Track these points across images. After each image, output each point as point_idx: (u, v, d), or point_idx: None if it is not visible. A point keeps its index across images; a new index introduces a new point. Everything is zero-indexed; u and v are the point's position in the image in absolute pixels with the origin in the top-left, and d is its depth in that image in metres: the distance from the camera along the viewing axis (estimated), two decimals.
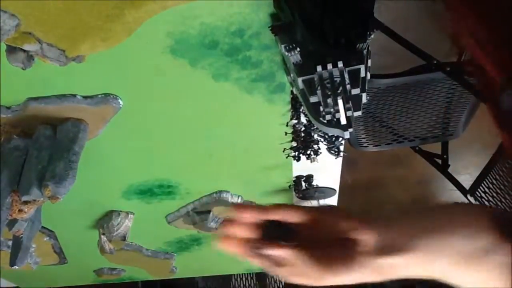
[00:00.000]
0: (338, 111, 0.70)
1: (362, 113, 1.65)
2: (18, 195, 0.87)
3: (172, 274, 1.83)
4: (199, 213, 1.34)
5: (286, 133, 1.02)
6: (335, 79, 0.70)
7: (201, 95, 0.90)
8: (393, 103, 1.53)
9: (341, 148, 1.05)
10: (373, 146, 1.66)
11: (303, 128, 1.03)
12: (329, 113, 0.71)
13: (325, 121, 0.71)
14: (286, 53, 0.69)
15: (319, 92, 0.71)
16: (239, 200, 1.31)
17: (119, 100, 0.90)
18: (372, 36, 0.68)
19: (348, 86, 0.70)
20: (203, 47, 0.80)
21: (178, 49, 0.80)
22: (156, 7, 0.71)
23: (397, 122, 1.60)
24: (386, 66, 1.59)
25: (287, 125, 0.99)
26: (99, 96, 0.89)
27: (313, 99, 0.71)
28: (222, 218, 1.38)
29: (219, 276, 2.57)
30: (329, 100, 0.71)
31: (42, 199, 0.86)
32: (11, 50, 0.74)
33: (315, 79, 0.71)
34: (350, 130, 0.74)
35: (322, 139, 1.03)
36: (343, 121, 0.72)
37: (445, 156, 1.67)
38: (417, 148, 1.71)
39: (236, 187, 1.28)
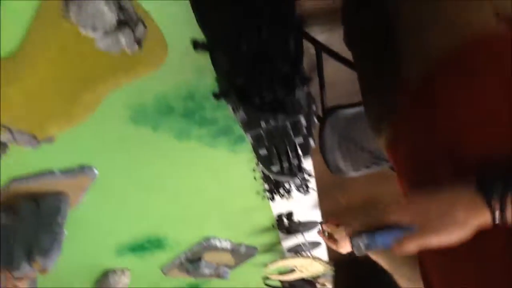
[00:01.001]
0: (285, 160, 0.77)
1: (337, 139, 1.70)
2: (11, 272, 0.93)
3: None
4: (192, 262, 1.39)
5: (255, 178, 1.08)
6: (279, 130, 0.77)
7: (168, 154, 0.97)
8: (367, 126, 1.58)
9: (309, 184, 1.11)
10: (353, 171, 1.71)
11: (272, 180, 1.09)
12: (277, 163, 0.78)
13: (275, 171, 0.78)
14: (232, 113, 0.76)
15: (266, 145, 0.77)
16: (228, 244, 1.36)
17: (94, 170, 0.97)
18: (305, 87, 0.75)
19: (292, 136, 0.77)
20: (160, 114, 0.87)
21: (138, 118, 0.87)
22: (110, 86, 0.79)
23: (373, 144, 1.65)
24: (354, 92, 1.66)
25: (254, 170, 1.05)
26: (75, 168, 0.96)
27: (262, 152, 0.78)
28: (214, 264, 1.43)
29: None
30: (275, 151, 0.77)
31: (32, 273, 0.91)
32: None
33: (261, 133, 0.77)
34: (303, 175, 0.81)
35: (295, 182, 1.09)
36: (290, 169, 0.78)
37: None
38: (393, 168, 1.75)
39: (223, 232, 1.34)
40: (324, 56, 1.65)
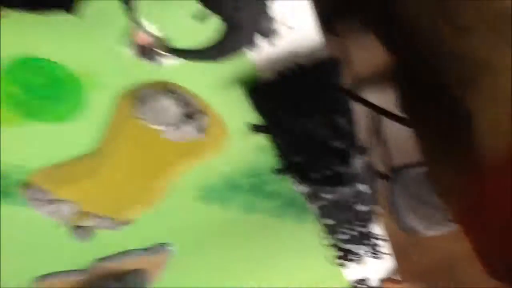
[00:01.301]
0: (350, 229, 0.77)
1: (408, 199, 1.66)
2: None
3: None
4: None
5: (324, 246, 1.08)
6: (341, 201, 0.79)
7: (238, 229, 1.01)
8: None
9: (381, 249, 1.08)
10: (427, 230, 1.65)
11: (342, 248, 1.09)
12: (343, 232, 0.78)
13: (342, 240, 0.78)
14: (295, 187, 0.79)
15: (330, 215, 0.79)
16: None
17: (170, 248, 1.02)
18: (363, 157, 0.77)
19: (354, 205, 0.78)
20: (227, 191, 0.92)
21: (206, 197, 0.92)
22: (178, 172, 0.85)
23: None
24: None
25: (322, 239, 1.05)
26: (153, 247, 1.02)
27: (328, 222, 0.79)
28: None
29: None
30: (340, 221, 0.78)
31: None
32: (74, 228, 0.90)
33: (324, 204, 0.79)
34: (372, 242, 0.80)
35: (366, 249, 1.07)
36: (358, 237, 0.78)
37: None
38: None
39: None
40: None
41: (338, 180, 0.69)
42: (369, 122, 1.93)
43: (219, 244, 1.05)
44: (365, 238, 0.81)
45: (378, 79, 1.85)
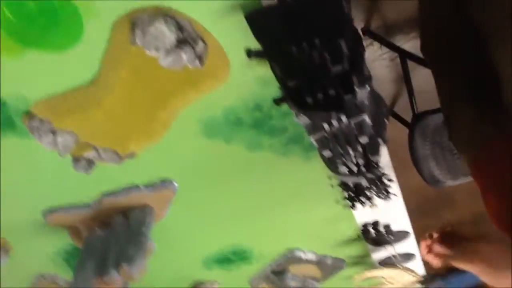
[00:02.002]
0: (349, 160, 0.75)
1: (429, 146, 1.62)
2: (101, 279, 1.00)
3: None
4: (277, 274, 1.39)
5: (332, 186, 1.06)
6: (343, 132, 0.75)
7: (242, 166, 0.99)
8: None
9: (390, 189, 1.06)
10: (452, 180, 1.60)
11: (350, 183, 1.06)
12: (343, 164, 0.76)
13: (342, 173, 0.76)
14: (295, 119, 0.76)
15: (330, 147, 0.76)
16: (313, 256, 1.34)
17: (174, 183, 1.02)
18: (367, 87, 0.73)
19: (356, 136, 0.75)
20: (230, 126, 0.90)
21: (210, 132, 0.91)
22: (180, 102, 0.83)
23: None
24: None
25: (330, 178, 1.03)
26: (157, 182, 1.02)
27: (326, 154, 0.76)
28: (301, 277, 1.41)
29: None
30: (341, 152, 0.75)
31: (119, 279, 0.98)
32: (75, 159, 0.90)
33: (325, 135, 0.76)
34: (374, 176, 0.78)
35: (367, 185, 1.05)
36: (358, 169, 0.75)
37: None
38: None
39: (307, 243, 1.32)
40: (415, 64, 1.59)
41: (338, 105, 0.65)
42: (396, 68, 1.85)
43: (224, 181, 1.04)
44: (364, 171, 0.78)
45: (406, 24, 1.76)
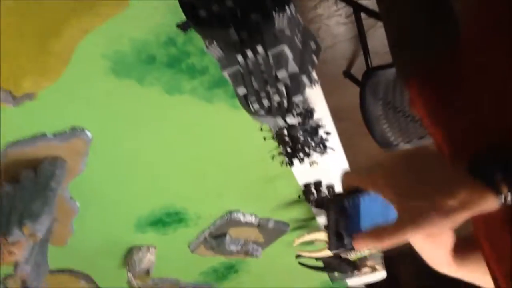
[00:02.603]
0: (265, 97, 0.65)
1: (381, 106, 1.53)
2: (6, 239, 0.89)
3: None
4: (216, 238, 1.30)
5: (265, 138, 0.96)
6: (260, 65, 0.65)
7: (162, 112, 0.88)
8: None
9: (327, 143, 0.97)
10: (405, 143, 1.53)
11: (285, 131, 0.97)
12: (259, 102, 0.66)
13: (255, 109, 0.66)
14: (207, 50, 0.65)
15: (244, 82, 0.66)
16: (253, 219, 1.26)
17: (87, 132, 0.91)
18: (288, 11, 0.63)
19: (274, 70, 0.65)
20: (142, 63, 0.78)
21: (119, 70, 0.79)
22: (76, 32, 0.71)
23: None
24: None
25: (261, 129, 0.93)
26: (67, 131, 0.91)
27: (240, 91, 0.66)
28: (241, 240, 1.33)
29: None
30: (256, 88, 0.65)
31: (24, 238, 0.87)
32: None
33: (239, 69, 0.66)
34: (289, 117, 0.68)
35: (303, 138, 0.96)
36: (274, 107, 0.66)
37: None
38: None
39: (246, 205, 1.23)
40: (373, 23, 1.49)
41: (239, 22, 0.55)
42: (353, 26, 1.76)
43: (144, 131, 0.93)
44: (282, 110, 0.68)
45: None
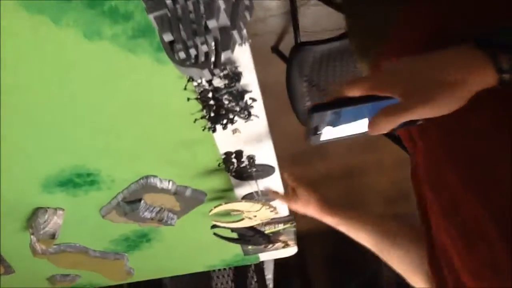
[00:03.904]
0: (192, 46, 0.62)
1: (306, 83, 1.55)
2: None
3: (130, 276, 1.74)
4: (130, 203, 1.25)
5: (188, 99, 0.93)
6: (190, 12, 0.62)
7: (77, 57, 0.82)
8: (336, 70, 1.44)
9: (252, 110, 0.96)
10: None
11: (210, 94, 0.94)
12: (186, 51, 0.63)
13: (180, 59, 0.63)
14: None
15: (171, 28, 0.62)
16: (170, 185, 1.22)
17: None
18: None
19: (203, 18, 0.62)
20: (57, 2, 0.71)
21: (31, 4, 0.72)
22: None
23: None
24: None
25: (185, 89, 0.90)
26: None
27: (166, 37, 0.63)
28: (156, 207, 1.29)
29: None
30: (184, 37, 0.62)
31: None
32: None
33: (167, 13, 0.63)
34: (216, 71, 0.66)
35: (228, 102, 0.94)
36: (201, 59, 0.63)
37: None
38: None
39: (164, 171, 1.19)
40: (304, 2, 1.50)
41: None
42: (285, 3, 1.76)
43: (56, 78, 0.86)
44: (208, 62, 0.65)
45: None
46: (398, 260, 0.78)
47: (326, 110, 0.50)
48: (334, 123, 0.52)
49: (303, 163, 2.46)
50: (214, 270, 2.58)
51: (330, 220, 0.96)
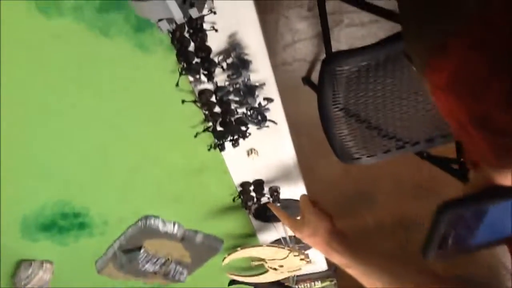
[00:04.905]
0: None
1: (343, 115, 1.31)
2: None
3: None
4: (127, 252, 1.01)
5: (183, 101, 0.71)
6: None
7: (41, 42, 0.63)
8: (377, 94, 1.20)
9: (266, 114, 0.73)
10: (367, 157, 1.31)
11: (213, 96, 0.73)
12: None
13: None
14: None
15: None
16: (176, 228, 0.98)
17: None
18: None
19: None
20: None
21: None
22: None
23: (389, 121, 1.26)
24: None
25: (177, 85, 0.69)
26: None
27: None
28: (160, 257, 1.04)
29: None
30: None
31: None
32: None
33: None
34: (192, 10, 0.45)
35: (238, 105, 0.72)
36: None
37: (462, 159, 1.29)
38: (424, 154, 1.34)
39: (166, 208, 0.96)
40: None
41: None
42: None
43: (17, 72, 0.67)
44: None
45: None
46: None
47: (463, 207, 0.34)
48: (471, 229, 0.35)
49: (348, 213, 2.17)
50: None
51: (337, 259, 0.70)
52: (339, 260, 0.71)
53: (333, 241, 0.73)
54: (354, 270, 0.67)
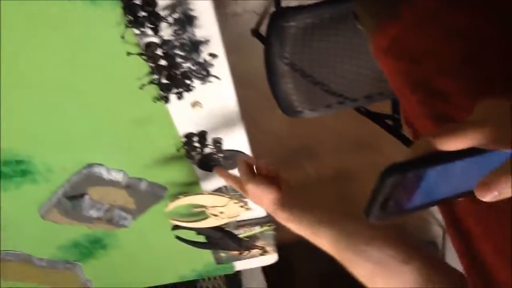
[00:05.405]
0: None
1: (288, 69, 1.35)
2: None
3: None
4: (72, 198, 1.03)
5: (128, 53, 0.72)
6: None
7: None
8: (321, 50, 1.24)
9: (210, 69, 0.75)
10: (309, 110, 1.37)
11: (158, 50, 0.74)
12: None
13: None
14: None
15: None
16: (120, 177, 1.01)
17: None
18: None
19: None
20: None
21: None
22: None
23: (332, 77, 1.31)
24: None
25: (123, 37, 0.69)
26: None
27: None
28: (105, 204, 1.07)
29: None
30: None
31: None
32: None
33: None
34: None
35: (183, 60, 0.73)
36: None
37: (396, 115, 1.38)
38: (362, 109, 1.42)
39: (111, 158, 0.98)
40: None
41: None
42: None
43: None
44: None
45: None
46: None
47: (407, 171, 0.35)
48: (410, 192, 0.37)
49: (291, 165, 2.26)
50: (198, 280, 2.32)
51: (284, 223, 0.75)
52: (285, 223, 0.75)
53: (278, 210, 0.77)
54: (300, 232, 0.71)
